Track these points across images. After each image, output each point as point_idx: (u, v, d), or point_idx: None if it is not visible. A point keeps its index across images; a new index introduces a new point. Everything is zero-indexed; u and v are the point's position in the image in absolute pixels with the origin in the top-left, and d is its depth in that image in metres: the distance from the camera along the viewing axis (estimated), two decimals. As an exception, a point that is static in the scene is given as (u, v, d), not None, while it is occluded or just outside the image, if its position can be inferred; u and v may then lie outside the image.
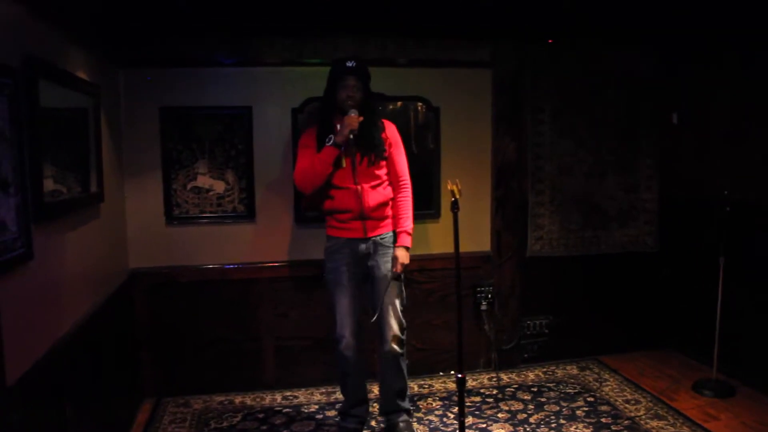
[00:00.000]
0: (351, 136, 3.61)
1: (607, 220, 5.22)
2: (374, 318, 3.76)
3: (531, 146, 5.01)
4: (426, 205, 4.80)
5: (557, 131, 5.05)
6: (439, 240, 4.84)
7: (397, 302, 3.81)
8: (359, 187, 3.71)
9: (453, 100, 4.83)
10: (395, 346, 3.78)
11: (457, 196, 3.00)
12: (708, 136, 4.96)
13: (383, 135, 3.81)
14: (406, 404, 3.96)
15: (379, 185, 3.79)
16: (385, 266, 3.78)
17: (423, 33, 4.61)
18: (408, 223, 3.84)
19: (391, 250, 3.82)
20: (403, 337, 3.83)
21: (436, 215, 4.84)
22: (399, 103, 4.76)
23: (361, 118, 3.65)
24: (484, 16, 4.47)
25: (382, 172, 3.82)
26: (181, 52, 4.42)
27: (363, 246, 3.78)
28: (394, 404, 3.91)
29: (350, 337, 3.77)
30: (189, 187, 4.52)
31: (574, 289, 5.24)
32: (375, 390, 4.29)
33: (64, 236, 3.06)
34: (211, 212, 4.57)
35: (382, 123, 3.86)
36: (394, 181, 3.88)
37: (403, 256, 3.79)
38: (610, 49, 5.09)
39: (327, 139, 3.65)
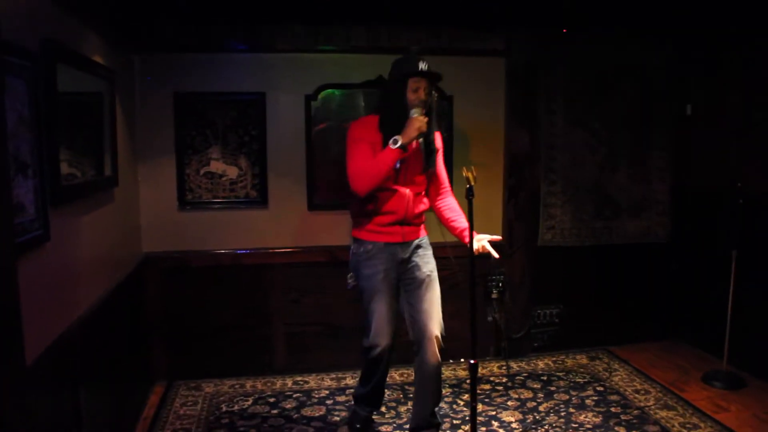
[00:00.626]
0: (420, 139, 3.45)
1: (619, 211, 5.21)
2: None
3: (544, 136, 5.00)
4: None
5: (570, 121, 5.04)
6: (450, 228, 4.83)
7: (439, 305, 3.67)
8: (408, 191, 3.54)
9: (466, 88, 4.82)
10: (438, 351, 3.60)
11: (472, 183, 3.00)
12: (721, 128, 4.94)
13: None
14: (437, 419, 3.74)
15: (422, 193, 3.66)
16: (426, 266, 3.65)
17: (436, 22, 4.60)
18: (466, 221, 3.63)
19: (430, 252, 3.72)
20: (442, 340, 3.65)
21: (448, 203, 4.84)
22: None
23: (427, 119, 3.42)
24: (498, 5, 4.46)
25: (424, 178, 3.66)
26: (195, 38, 4.42)
27: (401, 250, 3.59)
28: (426, 421, 3.67)
29: (386, 345, 3.59)
30: (202, 172, 4.54)
31: (584, 279, 5.24)
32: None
33: (80, 219, 3.09)
34: (223, 198, 4.59)
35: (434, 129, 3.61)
36: (441, 187, 3.76)
37: (484, 245, 3.63)
38: (624, 40, 5.06)
39: (392, 141, 3.34)
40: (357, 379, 4.02)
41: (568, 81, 5.01)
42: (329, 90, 4.66)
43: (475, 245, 3.51)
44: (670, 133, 5.25)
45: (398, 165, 3.43)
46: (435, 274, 3.70)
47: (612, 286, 5.29)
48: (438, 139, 3.68)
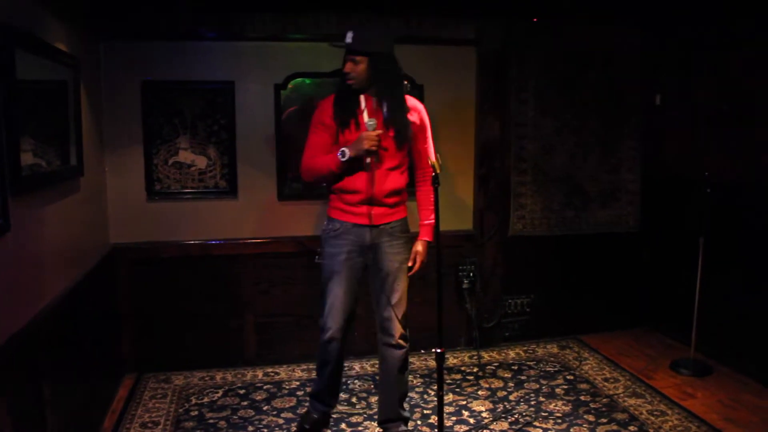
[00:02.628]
0: (368, 160, 3.27)
1: (588, 200, 5.25)
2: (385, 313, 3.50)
3: (514, 125, 5.01)
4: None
5: (540, 110, 5.06)
6: (421, 218, 4.83)
7: (405, 300, 3.53)
8: (375, 170, 3.34)
9: (437, 77, 4.81)
10: (403, 344, 3.51)
11: (437, 171, 2.97)
12: (690, 118, 4.98)
13: (409, 116, 3.40)
14: (406, 412, 3.65)
15: (396, 168, 3.41)
16: (394, 257, 3.46)
17: (407, 10, 4.57)
18: (433, 216, 3.35)
19: (400, 241, 3.48)
20: (407, 334, 3.56)
21: (419, 193, 4.83)
22: (383, 81, 4.72)
23: (381, 132, 3.26)
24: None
25: (402, 155, 3.42)
26: (163, 25, 4.36)
27: (368, 234, 3.42)
28: (395, 413, 3.59)
29: (336, 330, 3.44)
30: (170, 162, 4.49)
31: (555, 269, 5.27)
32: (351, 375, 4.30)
33: (43, 209, 3.03)
34: (192, 188, 4.54)
35: (406, 105, 3.40)
36: (421, 170, 3.56)
37: (422, 252, 3.52)
38: (594, 29, 5.08)
39: (340, 153, 3.24)
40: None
41: (539, 70, 5.02)
42: (299, 79, 4.62)
43: (415, 246, 3.54)
44: (639, 123, 5.29)
45: (367, 168, 3.31)
46: (404, 266, 3.51)
47: (583, 276, 5.32)
48: (420, 118, 3.48)
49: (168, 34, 4.40)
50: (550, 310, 5.26)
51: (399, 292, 3.49)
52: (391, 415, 3.61)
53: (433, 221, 3.45)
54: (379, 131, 3.26)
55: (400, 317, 3.48)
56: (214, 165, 4.55)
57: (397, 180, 3.43)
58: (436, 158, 3.06)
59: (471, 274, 4.95)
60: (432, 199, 3.37)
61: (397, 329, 3.48)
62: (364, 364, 4.69)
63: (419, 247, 3.53)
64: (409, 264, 3.52)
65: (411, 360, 4.70)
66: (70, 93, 3.49)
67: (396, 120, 3.33)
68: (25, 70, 2.68)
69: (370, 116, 3.30)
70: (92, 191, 4.01)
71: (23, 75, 2.66)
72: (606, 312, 5.40)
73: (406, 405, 3.66)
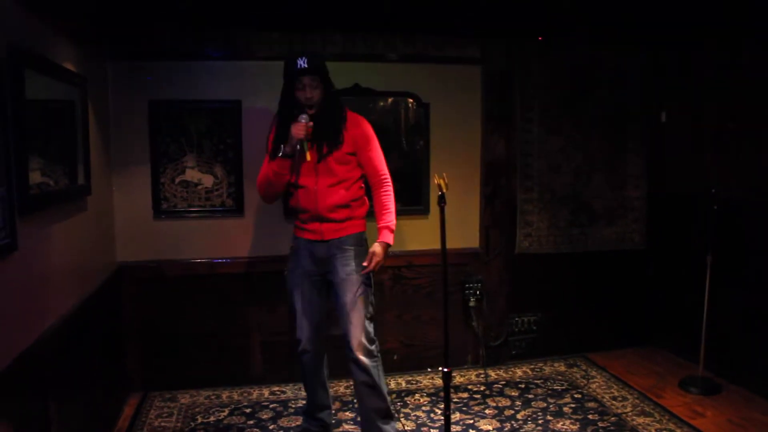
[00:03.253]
0: (298, 147, 3.32)
1: (595, 218, 5.24)
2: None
3: (520, 143, 5.02)
4: (415, 201, 4.81)
5: (546, 129, 5.06)
6: (427, 236, 4.84)
7: (361, 309, 3.48)
8: (316, 186, 3.45)
9: (443, 96, 4.83)
10: (362, 358, 3.44)
11: (444, 190, 2.97)
12: (695, 135, 4.98)
13: (345, 130, 3.48)
14: (390, 427, 3.57)
15: (337, 184, 3.46)
16: (343, 268, 3.49)
17: (412, 29, 4.61)
18: (390, 218, 3.53)
19: (351, 253, 3.51)
20: (372, 348, 3.49)
21: (425, 211, 4.84)
22: (390, 100, 4.76)
23: (311, 123, 3.34)
24: (474, 13, 4.47)
25: (344, 170, 3.48)
26: (169, 45, 4.41)
27: (321, 249, 3.54)
28: (374, 427, 3.54)
29: (306, 342, 3.61)
30: (177, 180, 4.50)
31: (562, 287, 5.26)
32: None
33: (50, 228, 3.04)
34: (199, 206, 4.56)
35: (344, 117, 3.52)
36: (373, 179, 3.59)
37: (380, 253, 3.48)
38: (599, 47, 5.10)
39: (279, 150, 3.39)
40: (333, 388, 4.00)
41: (544, 88, 5.03)
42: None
43: (372, 247, 3.53)
44: (645, 140, 5.29)
45: (308, 157, 3.36)
46: (354, 277, 3.49)
47: (589, 293, 5.30)
48: (363, 130, 3.56)
49: (174, 54, 4.44)
50: (557, 327, 5.24)
51: (349, 301, 3.48)
52: (371, 431, 3.59)
53: (389, 223, 3.54)
54: (310, 123, 3.34)
55: (354, 328, 3.47)
56: (221, 183, 4.56)
57: (340, 195, 3.49)
58: (443, 178, 3.05)
59: (477, 292, 4.94)
60: (385, 202, 3.57)
61: (354, 340, 3.46)
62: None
63: (376, 248, 3.50)
64: (364, 263, 3.50)
65: (417, 378, 4.71)
66: (78, 112, 3.51)
67: (328, 132, 3.45)
68: (33, 90, 2.70)
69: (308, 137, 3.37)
70: (99, 210, 4.02)
71: (32, 95, 2.68)
72: (613, 330, 5.37)
73: (392, 425, 3.60)
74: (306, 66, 3.31)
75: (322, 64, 3.43)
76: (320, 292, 3.65)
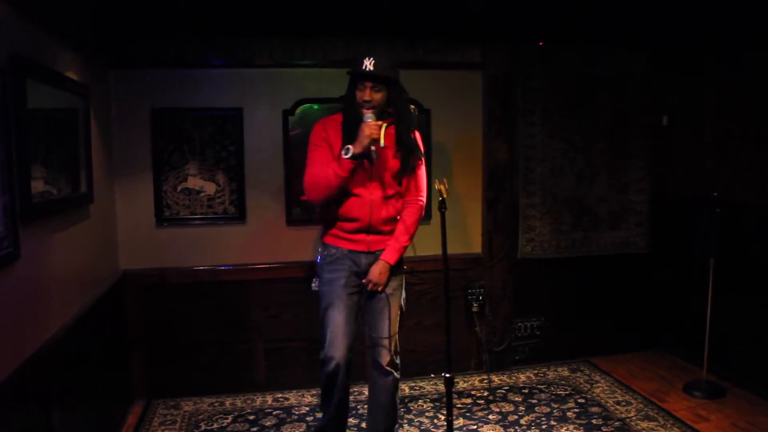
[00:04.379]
0: (373, 147, 3.19)
1: (597, 222, 5.23)
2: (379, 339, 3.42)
3: (522, 148, 5.02)
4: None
5: (548, 133, 5.06)
6: (430, 241, 4.82)
7: (396, 325, 3.45)
8: (372, 197, 3.33)
9: (444, 101, 4.83)
10: (391, 371, 3.43)
11: (445, 196, 2.98)
12: (698, 138, 4.98)
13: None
14: None
15: (392, 197, 3.39)
16: (389, 285, 3.40)
17: (413, 35, 4.61)
18: (402, 239, 3.40)
19: (394, 268, 3.41)
20: (398, 362, 3.48)
21: (427, 217, 4.83)
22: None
23: (382, 124, 3.21)
24: (475, 18, 4.48)
25: (397, 182, 3.41)
26: (171, 53, 4.41)
27: (365, 260, 3.39)
28: None
29: (341, 360, 3.33)
30: (179, 188, 4.51)
31: (565, 291, 5.25)
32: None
33: (53, 237, 3.05)
34: (201, 214, 4.56)
35: (413, 128, 3.45)
36: (411, 196, 3.46)
37: (375, 273, 3.35)
38: (601, 51, 5.10)
39: (344, 150, 3.19)
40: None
41: (546, 93, 5.04)
42: (307, 104, 4.65)
43: (372, 268, 3.38)
44: (647, 144, 5.29)
45: (372, 163, 3.26)
46: (397, 293, 3.46)
47: (593, 298, 5.29)
48: (419, 144, 3.48)
49: (176, 62, 4.45)
50: (561, 332, 5.23)
51: (389, 317, 3.41)
52: None
53: (399, 242, 3.39)
54: (380, 122, 3.21)
55: (389, 343, 3.42)
56: (223, 191, 4.57)
57: (393, 208, 3.42)
58: (443, 183, 3.05)
59: (480, 297, 4.93)
60: (409, 222, 3.42)
61: (386, 355, 3.42)
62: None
63: (373, 267, 3.37)
64: (370, 287, 3.40)
65: (421, 384, 4.71)
66: (80, 121, 3.52)
67: (405, 145, 3.35)
68: (36, 99, 2.71)
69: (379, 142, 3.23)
70: (102, 218, 4.03)
71: (34, 104, 2.69)
72: (617, 334, 5.36)
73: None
74: (372, 69, 3.19)
75: (390, 68, 3.27)
76: (357, 305, 3.46)
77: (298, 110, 4.63)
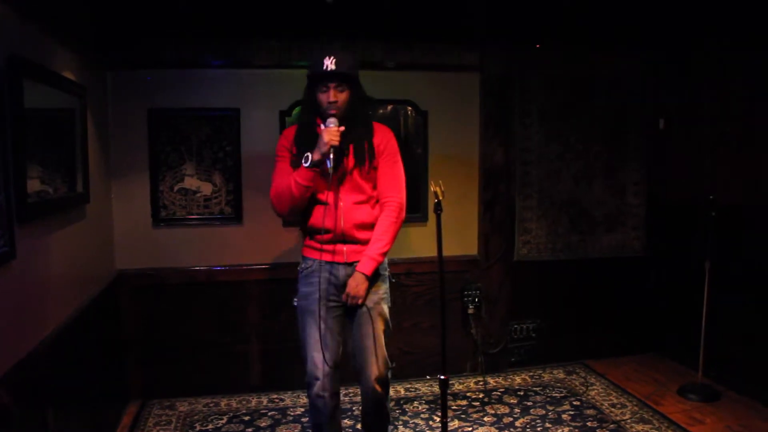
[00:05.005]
0: (331, 154, 2.98)
1: (594, 225, 5.24)
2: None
3: (519, 150, 5.03)
4: (413, 209, 4.80)
5: (545, 135, 5.07)
6: (426, 243, 4.84)
7: (383, 338, 3.22)
8: (340, 204, 3.15)
9: (441, 103, 4.84)
10: (378, 388, 3.19)
11: (440, 198, 2.96)
12: (694, 141, 4.99)
13: (374, 141, 3.20)
14: None
15: (364, 202, 3.20)
16: (371, 297, 3.20)
17: (410, 37, 4.62)
18: (378, 246, 3.15)
19: (378, 278, 3.24)
20: (388, 377, 3.26)
21: (423, 219, 4.84)
22: (389, 107, 4.76)
23: (342, 128, 3.04)
24: (472, 20, 4.49)
25: (370, 186, 3.22)
26: (169, 54, 4.41)
27: (343, 272, 3.19)
28: None
29: (325, 379, 3.11)
30: (176, 188, 4.51)
31: (561, 294, 5.25)
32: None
33: (49, 236, 3.05)
34: (198, 214, 4.56)
35: (372, 128, 3.22)
36: (384, 197, 3.23)
37: (352, 286, 3.13)
38: (598, 54, 5.11)
39: (304, 159, 3.03)
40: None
41: (543, 95, 5.05)
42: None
43: (349, 281, 3.17)
44: (644, 147, 5.30)
45: (330, 172, 3.01)
46: (381, 306, 3.24)
47: (589, 300, 5.30)
48: (386, 141, 3.24)
49: (174, 63, 4.45)
50: (556, 335, 5.24)
51: (373, 332, 3.19)
52: None
53: (373, 252, 3.16)
54: (341, 128, 3.03)
55: (378, 359, 3.18)
56: (220, 191, 4.57)
57: (366, 213, 3.20)
58: (439, 185, 3.03)
59: (476, 299, 4.94)
60: (384, 228, 3.19)
61: (375, 372, 3.18)
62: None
63: (350, 280, 3.17)
64: (348, 301, 3.20)
65: (416, 386, 4.71)
66: (77, 121, 3.52)
67: (358, 141, 3.15)
68: (33, 99, 2.71)
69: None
70: (98, 218, 4.03)
71: (31, 103, 2.69)
72: (612, 337, 5.37)
73: None
74: (333, 68, 2.99)
75: (352, 65, 3.09)
76: (338, 319, 3.24)
77: (295, 111, 4.62)
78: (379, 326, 3.22)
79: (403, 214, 3.27)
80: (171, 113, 4.46)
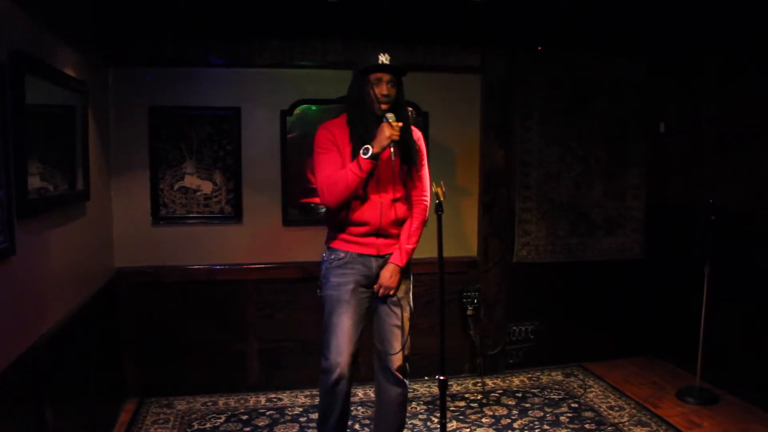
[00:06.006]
0: (392, 148, 3.07)
1: (593, 228, 5.24)
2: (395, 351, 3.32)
3: (519, 152, 5.03)
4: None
5: (545, 138, 5.07)
6: (426, 244, 4.76)
7: (407, 329, 3.35)
8: (382, 200, 3.25)
9: (442, 104, 4.84)
10: (402, 378, 3.34)
11: (442, 198, 2.97)
12: (694, 145, 4.99)
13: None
14: None
15: (400, 199, 3.31)
16: (401, 288, 3.34)
17: (412, 38, 4.62)
18: (413, 240, 3.34)
19: (404, 271, 3.36)
20: (408, 368, 3.39)
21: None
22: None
23: (401, 124, 3.10)
24: (474, 22, 4.49)
25: (406, 184, 3.34)
26: (171, 52, 4.42)
27: (375, 264, 3.30)
28: None
29: (345, 367, 3.19)
30: (176, 187, 4.51)
31: (560, 296, 5.25)
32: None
33: (49, 233, 3.04)
34: (197, 213, 4.56)
35: (411, 128, 3.32)
36: (416, 196, 3.39)
37: (386, 277, 3.27)
38: (599, 57, 5.12)
39: (363, 150, 3.07)
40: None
41: (544, 98, 5.05)
42: (305, 105, 4.65)
43: (382, 272, 3.30)
44: (644, 150, 5.30)
45: (392, 161, 3.12)
46: (409, 296, 3.41)
47: (587, 303, 5.30)
48: (420, 142, 3.39)
49: (175, 61, 4.45)
50: (555, 337, 5.24)
51: (401, 321, 3.33)
52: None
53: (408, 246, 3.34)
54: (400, 123, 3.09)
55: (400, 349, 3.32)
56: (220, 190, 4.57)
57: (403, 210, 3.33)
58: (440, 186, 3.04)
59: (475, 301, 4.94)
60: (417, 224, 3.37)
61: (398, 362, 3.32)
62: (368, 391, 4.65)
63: (384, 271, 3.30)
64: (381, 293, 3.32)
65: (414, 387, 4.71)
66: (78, 118, 3.52)
67: (410, 146, 3.26)
68: (34, 95, 2.71)
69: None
70: (98, 215, 4.03)
71: (32, 100, 2.69)
72: (611, 340, 5.37)
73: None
74: (388, 62, 3.10)
75: (404, 65, 3.22)
76: (367, 311, 3.35)
77: (296, 111, 4.63)
78: (407, 316, 3.38)
79: (428, 214, 3.41)
80: (172, 111, 4.46)
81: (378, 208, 3.24)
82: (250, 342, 4.69)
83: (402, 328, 3.33)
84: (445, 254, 3.13)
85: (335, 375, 3.19)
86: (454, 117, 4.89)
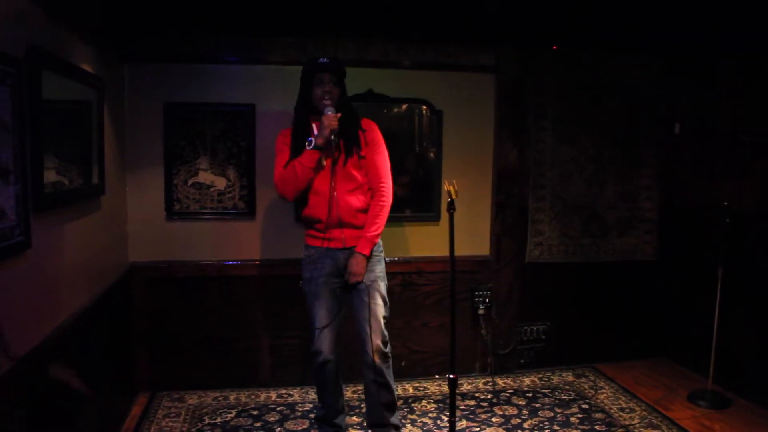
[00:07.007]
0: (332, 137, 3.43)
1: (606, 228, 5.22)
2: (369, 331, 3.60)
3: (532, 152, 5.02)
4: (426, 208, 4.82)
5: (559, 138, 5.06)
6: (438, 242, 4.84)
7: (381, 314, 3.62)
8: (334, 193, 3.54)
9: (456, 103, 4.84)
10: (378, 360, 3.60)
11: (454, 197, 2.98)
12: (708, 147, 4.96)
13: (360, 133, 3.61)
14: (395, 419, 3.77)
15: (356, 189, 3.59)
16: (368, 276, 3.60)
17: (425, 37, 4.63)
18: (373, 228, 3.58)
19: (374, 259, 3.64)
20: (387, 350, 3.64)
21: (436, 218, 4.85)
22: (404, 106, 4.77)
23: (340, 115, 3.46)
24: (488, 21, 4.48)
25: (361, 174, 3.60)
26: (186, 49, 4.44)
27: (343, 257, 3.61)
28: (380, 418, 3.73)
29: (328, 352, 3.62)
30: (190, 182, 4.53)
31: (572, 296, 5.24)
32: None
33: (64, 227, 3.07)
34: (211, 208, 4.58)
35: (359, 120, 3.66)
36: (373, 184, 3.63)
37: (353, 265, 3.56)
38: (613, 58, 5.09)
39: (307, 142, 3.49)
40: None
41: (558, 98, 5.03)
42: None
43: (349, 261, 3.60)
44: (658, 151, 5.27)
45: (324, 164, 3.51)
46: (377, 283, 3.64)
47: (599, 304, 5.28)
48: (373, 132, 3.67)
49: (190, 57, 4.47)
50: (566, 337, 5.22)
51: (372, 308, 3.59)
52: (376, 420, 3.77)
53: (369, 233, 3.57)
54: (338, 114, 3.45)
55: (374, 333, 3.58)
56: (233, 186, 4.59)
57: (360, 200, 3.60)
58: (453, 184, 3.06)
59: (486, 300, 4.94)
60: (376, 212, 3.60)
61: (373, 346, 3.58)
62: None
63: (351, 260, 3.59)
64: (350, 281, 3.62)
65: (425, 385, 4.71)
66: (94, 113, 3.55)
67: (347, 133, 3.55)
68: (50, 90, 2.74)
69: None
70: (112, 210, 4.06)
71: (49, 95, 2.72)
72: (623, 341, 5.35)
73: (396, 415, 3.80)
74: (327, 61, 3.51)
75: (342, 65, 3.61)
76: (339, 299, 3.70)
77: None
78: (377, 301, 3.62)
79: (392, 198, 3.67)
80: (187, 108, 4.48)
81: (327, 202, 3.55)
82: (261, 338, 4.71)
83: (371, 313, 3.58)
84: (457, 253, 3.14)
85: (321, 359, 3.63)
86: (467, 116, 4.88)
